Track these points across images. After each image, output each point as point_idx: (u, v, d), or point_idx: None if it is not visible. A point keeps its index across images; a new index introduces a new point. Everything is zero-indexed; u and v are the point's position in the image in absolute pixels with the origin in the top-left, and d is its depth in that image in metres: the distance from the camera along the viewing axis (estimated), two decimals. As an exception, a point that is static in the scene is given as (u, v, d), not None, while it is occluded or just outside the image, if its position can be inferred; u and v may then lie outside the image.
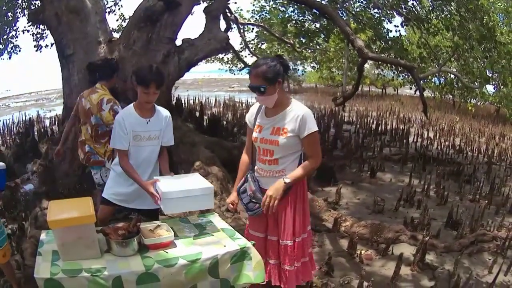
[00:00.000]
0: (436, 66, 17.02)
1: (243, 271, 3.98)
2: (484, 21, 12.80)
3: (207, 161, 9.57)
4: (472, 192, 10.15)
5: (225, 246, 3.98)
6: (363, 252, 6.79)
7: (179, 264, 3.70)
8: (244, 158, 4.85)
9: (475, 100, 24.90)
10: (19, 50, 17.53)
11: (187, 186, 4.30)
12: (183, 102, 21.09)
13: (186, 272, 3.70)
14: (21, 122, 20.00)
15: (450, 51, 16.28)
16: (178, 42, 11.20)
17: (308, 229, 4.69)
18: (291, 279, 4.36)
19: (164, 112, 5.23)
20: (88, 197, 4.07)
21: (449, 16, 14.82)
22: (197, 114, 18.43)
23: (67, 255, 3.60)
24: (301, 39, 20.41)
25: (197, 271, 3.74)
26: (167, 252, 3.87)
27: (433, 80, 22.91)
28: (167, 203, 4.19)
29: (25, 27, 17.51)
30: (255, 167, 4.70)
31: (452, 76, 18.96)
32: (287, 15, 20.48)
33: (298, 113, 4.27)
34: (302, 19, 18.86)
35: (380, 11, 16.97)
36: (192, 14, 11.77)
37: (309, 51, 26.69)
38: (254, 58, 20.48)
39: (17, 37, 17.14)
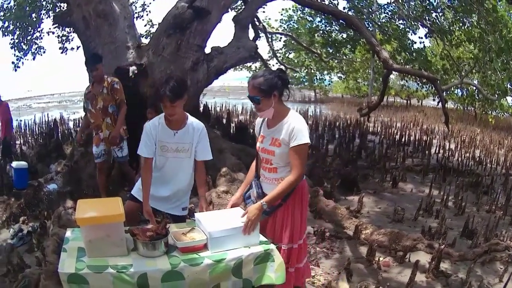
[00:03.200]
0: (459, 77, 17.09)
1: (265, 272, 4.12)
2: (503, 34, 12.92)
3: (234, 168, 9.73)
4: (488, 203, 10.18)
5: (249, 247, 4.11)
6: (381, 259, 6.92)
7: (204, 264, 3.83)
8: (253, 165, 5.00)
9: (495, 112, 24.79)
10: (44, 52, 17.66)
11: (233, 224, 4.19)
12: (210, 109, 21.05)
13: (210, 272, 3.84)
14: (44, 123, 20.27)
15: (472, 63, 16.40)
16: (207, 50, 11.28)
17: (304, 236, 4.77)
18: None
19: (197, 125, 5.19)
20: (118, 197, 4.25)
21: (470, 28, 14.92)
22: (224, 121, 18.46)
23: (94, 252, 3.78)
24: (328, 49, 20.47)
25: (221, 271, 3.88)
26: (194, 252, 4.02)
27: (455, 92, 22.96)
28: (214, 243, 4.05)
29: (49, 28, 17.67)
30: (260, 174, 4.84)
31: (474, 87, 19.06)
32: (314, 25, 20.59)
33: (291, 125, 4.35)
34: (329, 29, 19.03)
35: (404, 22, 17.11)
36: (220, 22, 11.91)
37: (336, 61, 26.65)
38: (282, 67, 20.64)
39: (41, 38, 17.29)
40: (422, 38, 17.50)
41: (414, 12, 16.28)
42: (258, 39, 17.02)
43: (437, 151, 16.50)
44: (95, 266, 3.61)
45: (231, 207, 4.83)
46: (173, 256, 3.91)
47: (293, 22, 23.35)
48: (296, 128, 4.31)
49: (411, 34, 16.77)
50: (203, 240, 4.05)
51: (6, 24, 15.88)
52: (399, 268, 6.80)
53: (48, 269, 4.35)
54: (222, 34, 13.48)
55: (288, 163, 4.45)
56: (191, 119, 5.20)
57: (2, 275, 6.21)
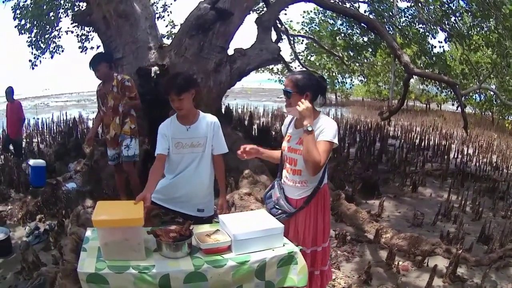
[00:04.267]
0: (477, 82, 17.13)
1: (288, 275, 4.10)
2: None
3: (256, 170, 9.77)
4: (504, 209, 10.27)
5: (273, 250, 4.09)
6: (400, 263, 6.97)
7: (228, 265, 3.80)
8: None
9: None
10: (62, 50, 17.78)
11: (258, 227, 4.17)
12: (232, 110, 20.82)
13: (234, 273, 3.82)
14: (62, 121, 20.47)
15: (489, 68, 16.46)
16: (230, 51, 11.30)
17: (328, 239, 4.75)
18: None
19: (209, 118, 5.21)
20: (141, 201, 4.18)
21: (488, 33, 15.00)
22: (246, 123, 18.48)
23: (110, 255, 3.72)
24: (350, 52, 20.39)
25: (244, 273, 3.86)
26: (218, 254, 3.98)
27: (473, 97, 22.95)
28: (238, 245, 4.02)
29: (68, 28, 17.92)
30: (282, 175, 4.80)
31: (491, 93, 19.10)
32: (336, 28, 20.56)
33: (324, 123, 4.34)
34: (350, 32, 19.00)
35: (424, 26, 17.11)
36: (242, 24, 11.85)
37: (357, 64, 26.58)
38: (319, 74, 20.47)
39: (59, 37, 17.35)
40: (441, 42, 17.56)
41: (434, 16, 16.36)
42: (280, 41, 16.87)
43: (455, 156, 16.48)
44: (116, 267, 3.62)
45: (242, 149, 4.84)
46: (196, 258, 3.89)
47: (315, 25, 23.30)
48: (325, 126, 4.32)
49: (431, 38, 16.70)
50: (227, 242, 4.04)
51: (23, 22, 15.95)
52: (417, 272, 6.87)
53: (66, 267, 4.37)
54: (245, 36, 13.53)
55: None
56: (203, 114, 5.24)
57: (16, 273, 6.34)
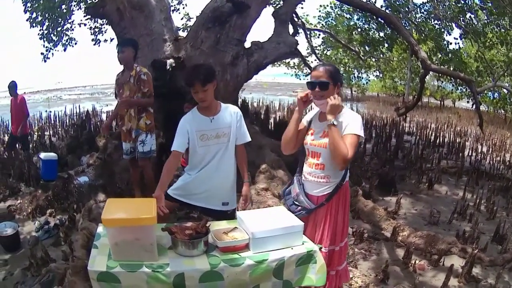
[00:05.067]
0: (492, 80, 17.12)
1: (306, 274, 4.03)
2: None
3: (273, 165, 9.65)
4: None
5: (292, 248, 4.02)
6: (417, 261, 6.92)
7: (245, 264, 3.74)
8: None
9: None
10: (75, 43, 17.65)
11: (277, 225, 4.08)
12: (248, 104, 21.00)
13: (251, 272, 3.75)
14: (75, 114, 20.38)
15: (504, 65, 16.43)
16: (247, 44, 11.24)
17: (346, 239, 4.71)
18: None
19: (232, 108, 5.20)
20: (153, 198, 4.14)
21: (503, 30, 15.00)
22: (262, 117, 18.44)
23: (120, 255, 3.63)
24: (366, 47, 20.46)
25: (262, 272, 3.80)
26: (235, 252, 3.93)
27: (488, 95, 22.88)
28: (257, 243, 3.95)
29: (81, 20, 17.98)
30: (303, 170, 4.74)
31: (505, 91, 19.05)
32: (352, 23, 20.59)
33: (348, 118, 4.32)
34: (367, 27, 18.95)
35: (439, 22, 17.10)
36: (259, 17, 11.73)
37: (373, 59, 26.63)
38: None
39: (72, 29, 17.23)
40: (457, 39, 17.59)
41: (450, 12, 16.33)
42: (297, 35, 16.92)
43: (470, 154, 16.43)
44: (128, 265, 3.56)
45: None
46: (213, 256, 3.83)
47: (331, 19, 23.23)
48: (351, 119, 4.31)
49: (446, 35, 16.64)
50: (245, 240, 3.98)
51: (34, 15, 15.78)
52: (433, 271, 6.84)
53: (76, 264, 4.43)
54: (262, 30, 13.51)
55: None
56: (225, 105, 5.21)
57: (24, 269, 6.23)
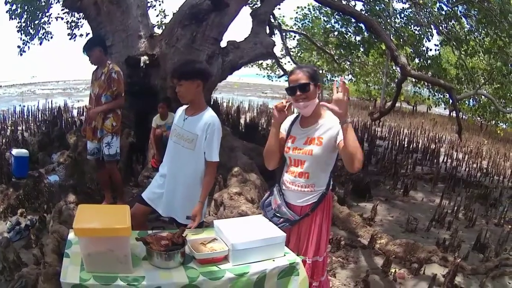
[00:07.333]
0: (472, 88, 17.15)
1: (288, 286, 3.88)
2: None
3: (246, 168, 9.46)
4: (497, 216, 10.31)
5: (273, 260, 3.86)
6: (396, 270, 6.84)
7: (225, 278, 3.56)
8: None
9: (505, 125, 24.80)
10: (51, 37, 17.66)
11: (258, 235, 3.92)
12: (219, 104, 20.92)
13: (231, 286, 3.58)
14: (47, 110, 20.23)
15: (487, 74, 16.41)
16: (223, 43, 11.19)
17: (326, 249, 4.52)
18: None
19: (208, 119, 4.77)
20: (126, 205, 3.89)
21: (488, 39, 15.01)
22: (232, 118, 18.37)
23: (93, 266, 3.38)
24: (341, 50, 20.28)
25: (242, 285, 3.63)
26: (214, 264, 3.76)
27: (466, 102, 22.98)
28: (237, 255, 3.75)
29: (58, 14, 17.61)
30: (283, 179, 4.45)
31: (485, 98, 19.07)
32: (329, 25, 20.63)
33: (337, 123, 4.05)
34: (344, 30, 18.99)
35: (419, 28, 17.09)
36: (237, 16, 11.60)
37: (348, 63, 26.70)
38: (294, 66, 20.41)
39: (49, 23, 17.24)
40: (437, 45, 17.53)
41: (432, 17, 16.31)
42: (273, 36, 16.75)
43: (445, 160, 16.50)
44: (102, 277, 3.31)
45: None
46: (191, 268, 3.62)
47: (308, 21, 23.39)
48: (337, 123, 4.05)
49: (426, 41, 16.62)
50: (224, 252, 3.78)
51: (14, 7, 15.72)
52: (414, 280, 6.74)
53: (47, 271, 4.27)
54: (238, 29, 13.33)
55: (324, 166, 4.25)
56: (209, 112, 4.86)
57: None
